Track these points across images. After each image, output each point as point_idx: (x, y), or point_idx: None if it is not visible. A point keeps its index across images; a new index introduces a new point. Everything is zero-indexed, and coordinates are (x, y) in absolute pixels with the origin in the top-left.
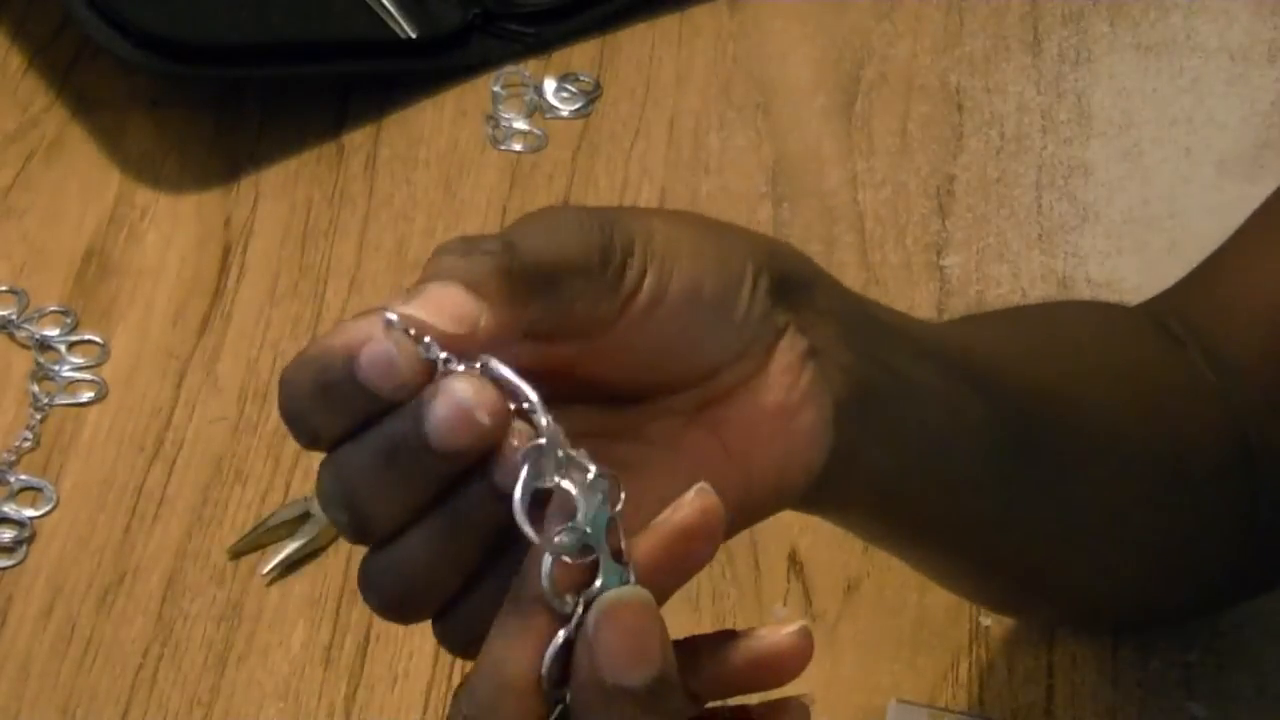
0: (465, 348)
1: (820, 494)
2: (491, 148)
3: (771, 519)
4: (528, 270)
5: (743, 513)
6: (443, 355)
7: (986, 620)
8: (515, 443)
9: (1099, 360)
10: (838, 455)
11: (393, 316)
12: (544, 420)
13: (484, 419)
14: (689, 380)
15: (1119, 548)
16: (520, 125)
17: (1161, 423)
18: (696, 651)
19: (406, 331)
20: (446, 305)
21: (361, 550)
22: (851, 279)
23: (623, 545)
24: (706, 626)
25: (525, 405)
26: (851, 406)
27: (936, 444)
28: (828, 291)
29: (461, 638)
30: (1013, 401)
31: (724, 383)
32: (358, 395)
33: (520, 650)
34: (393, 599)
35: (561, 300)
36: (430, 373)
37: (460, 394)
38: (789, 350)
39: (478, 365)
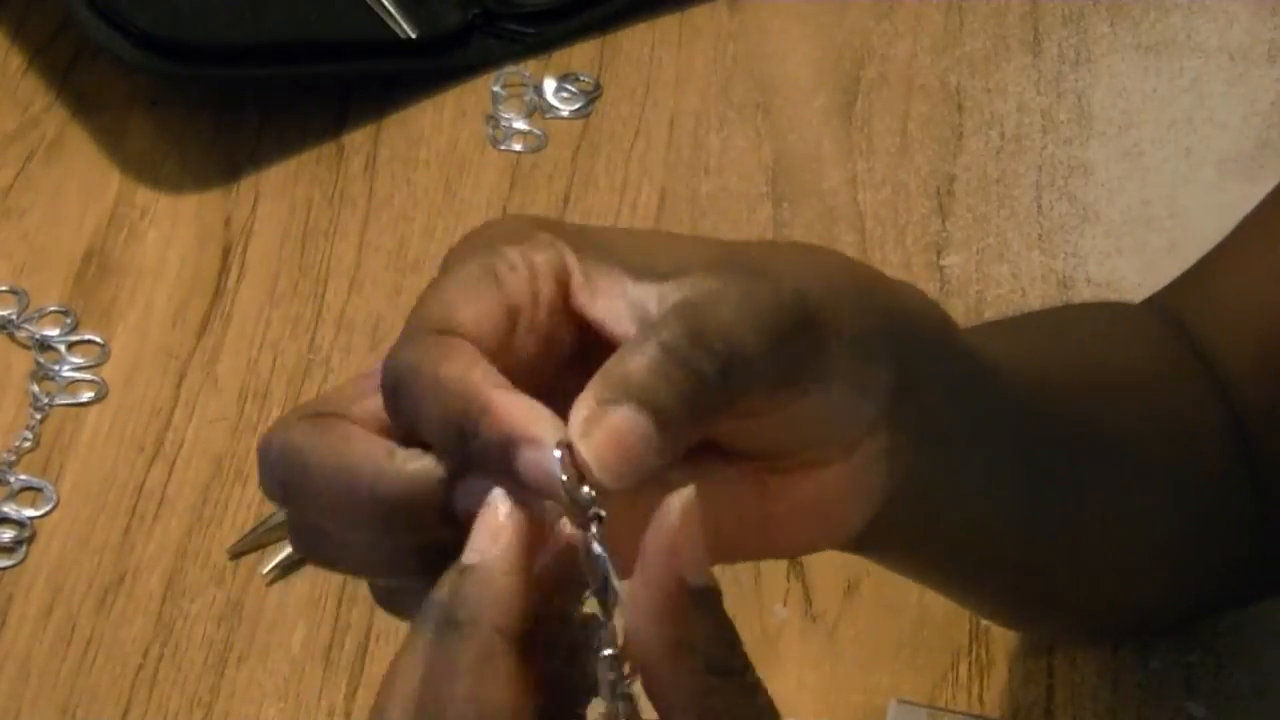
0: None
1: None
2: (491, 148)
3: None
4: (719, 385)
5: (756, 553)
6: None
7: (987, 620)
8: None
9: (1108, 366)
10: (873, 525)
11: (555, 460)
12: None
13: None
14: (762, 452)
15: (1128, 555)
16: (520, 125)
17: (1169, 424)
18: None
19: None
20: (622, 452)
21: None
22: None
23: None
24: None
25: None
26: (900, 494)
27: (973, 498)
28: (927, 384)
29: None
30: (1035, 421)
31: (789, 460)
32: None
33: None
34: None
35: (737, 407)
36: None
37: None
38: (870, 446)
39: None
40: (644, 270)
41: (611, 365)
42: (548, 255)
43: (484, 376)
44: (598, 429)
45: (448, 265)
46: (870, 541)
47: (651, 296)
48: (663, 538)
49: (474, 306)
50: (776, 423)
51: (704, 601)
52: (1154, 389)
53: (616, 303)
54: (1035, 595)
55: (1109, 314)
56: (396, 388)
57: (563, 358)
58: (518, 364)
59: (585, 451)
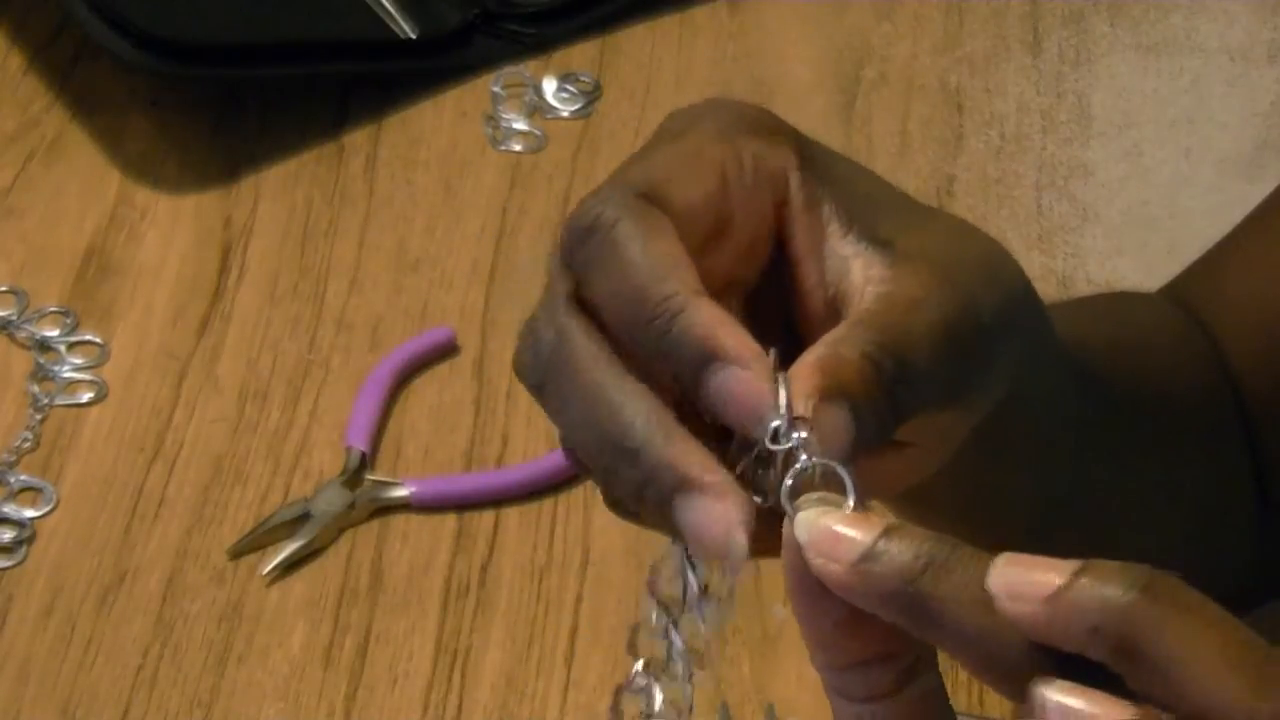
0: None
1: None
2: (491, 148)
3: None
4: (899, 399)
5: None
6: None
7: None
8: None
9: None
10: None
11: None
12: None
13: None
14: None
15: (1149, 539)
16: (520, 125)
17: (1198, 413)
18: None
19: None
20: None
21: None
22: None
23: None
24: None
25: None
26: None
27: (1023, 473)
28: (1022, 382)
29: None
30: (1099, 400)
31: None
32: (684, 374)
33: None
34: None
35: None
36: None
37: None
38: (952, 430)
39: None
40: (861, 225)
41: (829, 356)
42: (776, 164)
43: (685, 273)
44: (818, 413)
45: (671, 129)
46: (912, 500)
47: (856, 262)
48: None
49: (691, 187)
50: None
51: (877, 553)
52: (1187, 382)
53: (820, 246)
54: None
55: (1141, 304)
56: (584, 239)
57: (754, 268)
58: (715, 261)
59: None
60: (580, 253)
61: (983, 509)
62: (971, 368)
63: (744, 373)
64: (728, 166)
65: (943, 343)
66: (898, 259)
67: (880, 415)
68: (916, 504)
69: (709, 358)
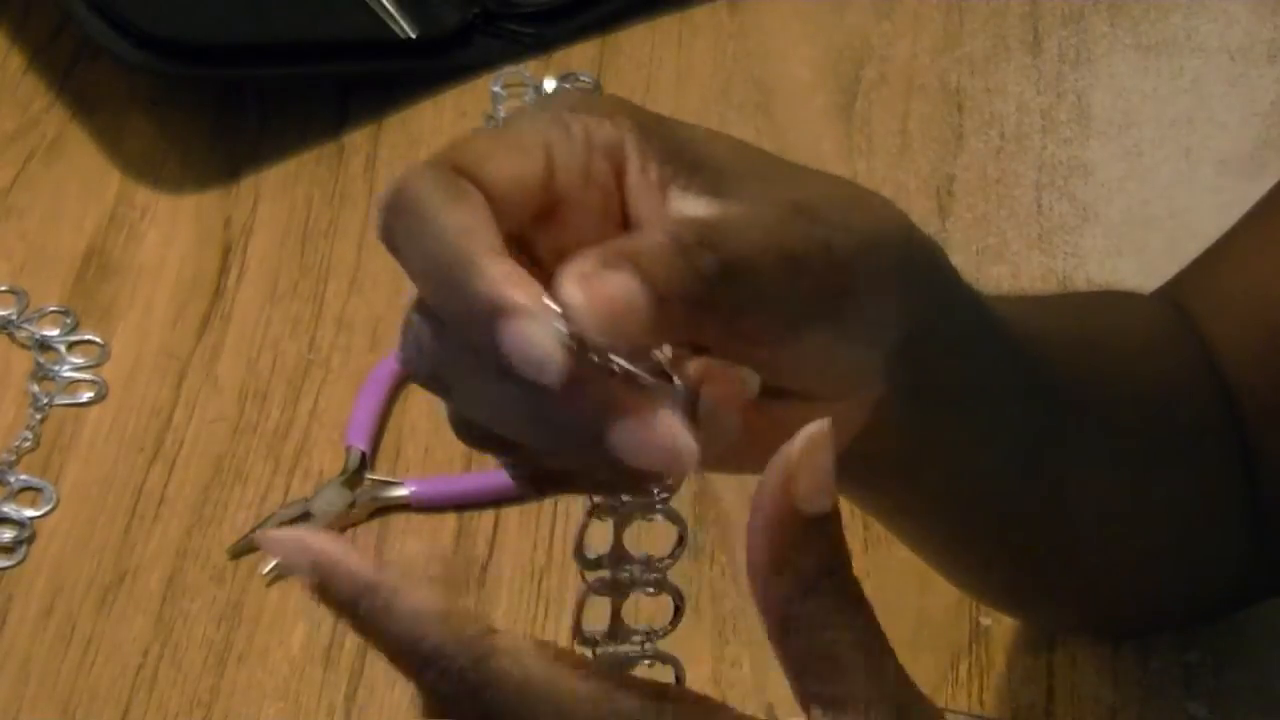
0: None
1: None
2: None
3: None
4: (721, 285)
5: (734, 467)
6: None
7: (986, 620)
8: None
9: (1122, 350)
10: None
11: (554, 308)
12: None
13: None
14: (775, 378)
15: (1122, 545)
16: None
17: (1175, 415)
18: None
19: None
20: (619, 314)
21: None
22: None
23: None
24: (706, 627)
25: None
26: (887, 443)
27: (966, 454)
28: (933, 338)
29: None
30: (1039, 384)
31: (785, 392)
32: (487, 347)
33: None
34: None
35: (742, 317)
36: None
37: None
38: (862, 396)
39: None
40: (701, 181)
41: (618, 241)
42: (609, 135)
43: (483, 234)
44: (595, 283)
45: (507, 121)
46: (853, 482)
47: (691, 207)
48: (780, 462)
49: (507, 163)
50: (783, 359)
51: (817, 528)
52: (1166, 382)
53: (656, 201)
54: (1027, 575)
55: (1125, 302)
56: (395, 212)
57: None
58: (561, 238)
59: (578, 301)
60: (392, 227)
61: (933, 470)
62: (825, 295)
63: (526, 323)
64: (554, 144)
65: (777, 262)
66: (734, 196)
67: (693, 306)
68: (865, 468)
69: (498, 310)
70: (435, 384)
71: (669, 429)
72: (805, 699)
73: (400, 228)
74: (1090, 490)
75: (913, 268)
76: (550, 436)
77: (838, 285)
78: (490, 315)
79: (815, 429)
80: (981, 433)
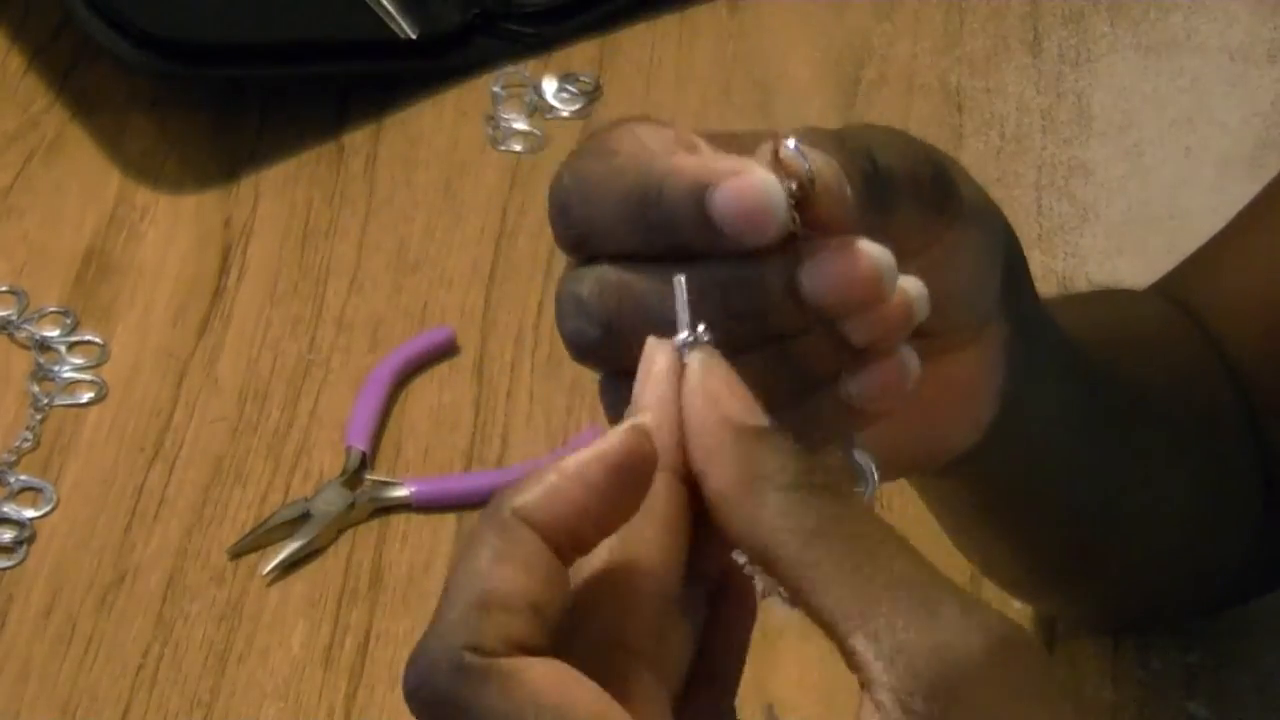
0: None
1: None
2: (491, 148)
3: None
4: (881, 182)
5: (909, 445)
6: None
7: (1004, 588)
8: None
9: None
10: (982, 443)
11: (790, 143)
12: None
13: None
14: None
15: (1152, 528)
16: (520, 125)
17: (1197, 405)
18: None
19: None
20: (829, 176)
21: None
22: None
23: None
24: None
25: None
26: (1003, 412)
27: (1048, 429)
28: (1024, 290)
29: None
30: (1094, 381)
31: (931, 342)
32: (686, 227)
33: None
34: None
35: (893, 218)
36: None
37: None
38: (993, 333)
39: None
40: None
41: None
42: None
43: (665, 148)
44: (802, 150)
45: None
46: (973, 459)
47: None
48: (697, 387)
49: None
50: (931, 262)
51: (762, 436)
52: (1184, 370)
53: None
54: (1072, 554)
55: (1129, 298)
56: (566, 201)
57: None
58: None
59: (805, 159)
60: (568, 219)
61: (1008, 509)
62: (947, 205)
63: (746, 176)
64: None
65: (910, 170)
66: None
67: (862, 198)
68: (946, 501)
69: (715, 176)
70: (608, 336)
71: (865, 250)
72: (837, 632)
73: (578, 208)
74: (1124, 495)
75: (996, 207)
76: (748, 299)
77: (955, 199)
78: (698, 191)
79: (702, 351)
80: (1062, 403)
